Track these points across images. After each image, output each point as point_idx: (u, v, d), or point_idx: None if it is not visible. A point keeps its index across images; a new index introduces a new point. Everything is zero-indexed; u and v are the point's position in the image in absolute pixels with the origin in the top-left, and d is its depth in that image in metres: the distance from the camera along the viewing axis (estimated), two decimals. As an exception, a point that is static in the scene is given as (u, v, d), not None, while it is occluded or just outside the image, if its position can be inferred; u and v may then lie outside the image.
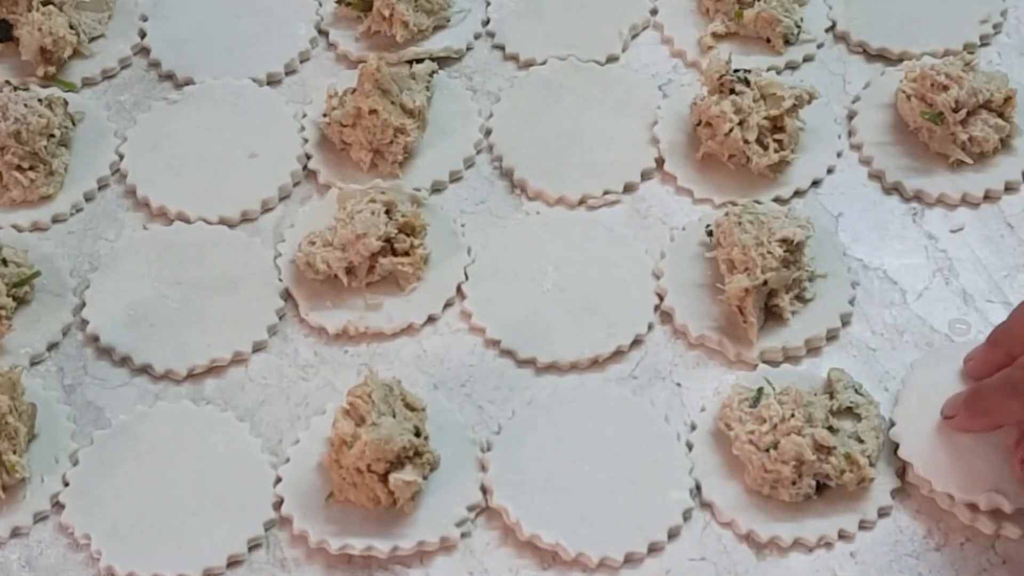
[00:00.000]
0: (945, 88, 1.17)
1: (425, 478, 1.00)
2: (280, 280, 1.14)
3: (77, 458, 1.05)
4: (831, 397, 1.03)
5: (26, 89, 1.23)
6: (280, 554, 1.01)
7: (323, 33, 1.31)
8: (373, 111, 1.17)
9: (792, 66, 1.26)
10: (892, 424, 1.03)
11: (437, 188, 1.20)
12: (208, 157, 1.22)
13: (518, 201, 1.19)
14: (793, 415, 1.00)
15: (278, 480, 1.03)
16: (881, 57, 1.27)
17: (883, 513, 1.00)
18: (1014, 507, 0.97)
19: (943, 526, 1.00)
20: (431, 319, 1.12)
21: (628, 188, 1.19)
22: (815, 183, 1.19)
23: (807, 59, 1.27)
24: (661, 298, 1.12)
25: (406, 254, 1.13)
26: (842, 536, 0.99)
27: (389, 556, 0.99)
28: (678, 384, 1.08)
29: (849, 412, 1.02)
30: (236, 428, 1.06)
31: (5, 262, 1.12)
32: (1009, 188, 1.17)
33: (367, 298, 1.12)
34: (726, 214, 1.12)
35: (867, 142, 1.20)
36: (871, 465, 0.99)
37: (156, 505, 1.02)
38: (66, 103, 1.22)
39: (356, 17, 1.29)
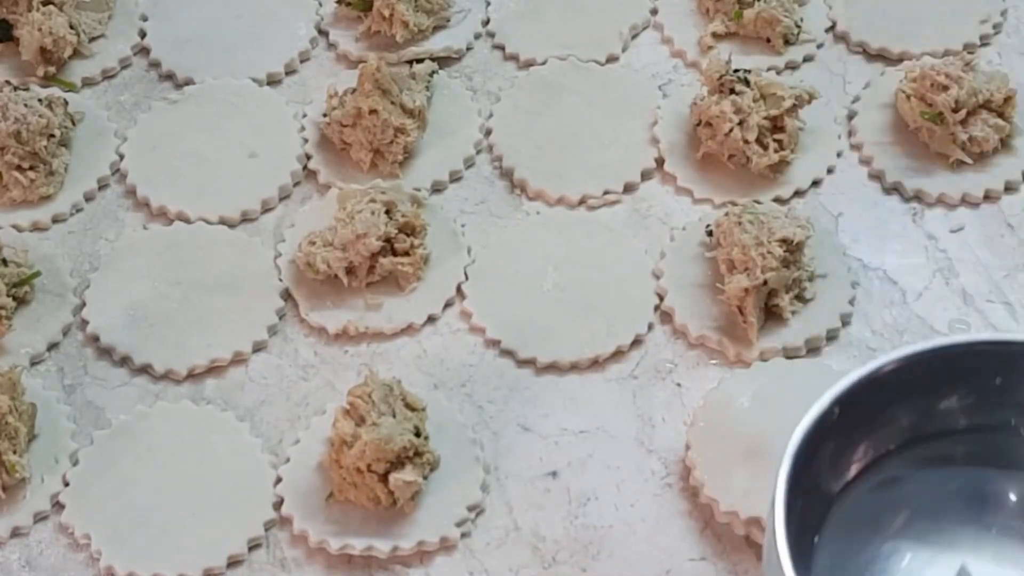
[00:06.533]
0: (945, 88, 1.17)
1: (425, 478, 1.01)
2: (280, 280, 1.14)
3: (77, 458, 1.05)
4: None
5: (26, 89, 1.23)
6: (280, 554, 1.01)
7: (323, 33, 1.31)
8: (373, 111, 1.17)
9: (792, 66, 1.26)
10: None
11: (437, 188, 1.20)
12: (208, 157, 1.22)
13: (518, 201, 1.19)
14: None
15: (278, 480, 1.03)
16: (881, 57, 1.27)
17: (883, 513, 1.00)
18: None
19: (943, 526, 1.00)
20: (431, 319, 1.12)
21: (628, 188, 1.19)
22: (815, 183, 1.19)
23: (807, 59, 1.27)
24: (661, 298, 1.12)
25: (406, 254, 1.13)
26: (842, 536, 0.99)
27: (389, 556, 1.00)
28: (678, 384, 1.08)
29: None
30: (236, 428, 1.06)
31: (5, 262, 1.12)
32: (1009, 188, 1.17)
33: (367, 298, 1.12)
34: (726, 214, 1.12)
35: (867, 142, 1.20)
36: None
37: (156, 505, 1.02)
38: (66, 103, 1.22)
39: (356, 17, 1.30)
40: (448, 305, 1.13)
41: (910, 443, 0.89)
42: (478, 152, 1.22)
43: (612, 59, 1.28)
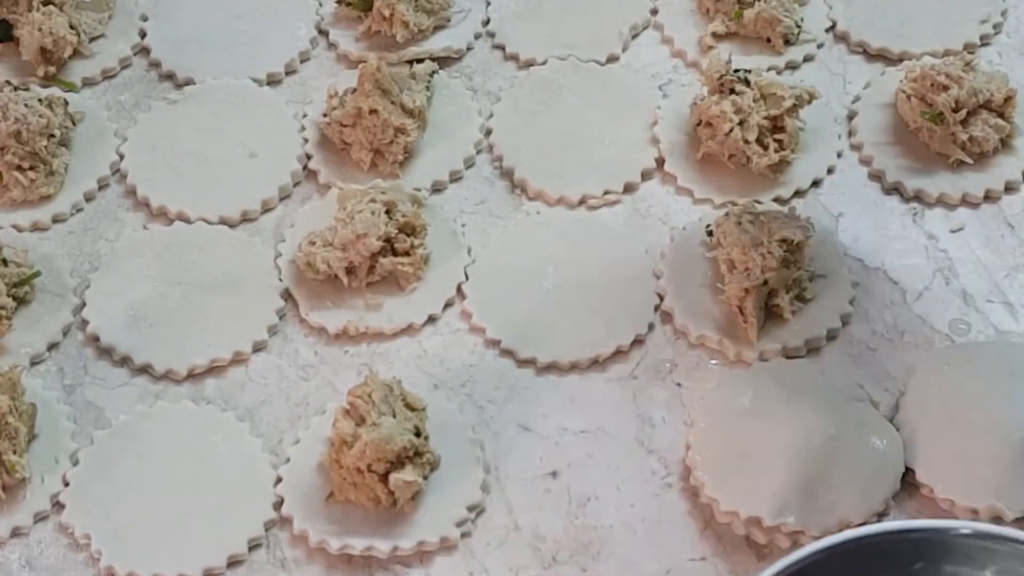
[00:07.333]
0: (945, 88, 1.17)
1: (425, 478, 1.01)
2: (280, 280, 1.14)
3: (77, 458, 1.05)
4: None
5: (26, 89, 1.23)
6: (280, 554, 1.01)
7: (323, 33, 1.31)
8: (373, 111, 1.17)
9: (792, 66, 1.26)
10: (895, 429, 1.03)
11: (437, 188, 1.20)
12: (208, 157, 1.22)
13: (518, 201, 1.19)
14: None
15: (278, 480, 1.03)
16: (881, 57, 1.27)
17: (883, 514, 1.00)
18: (1014, 516, 0.97)
19: (943, 526, 1.00)
20: (431, 319, 1.12)
21: (628, 188, 1.19)
22: (815, 183, 1.19)
23: (807, 59, 1.27)
24: (661, 298, 1.12)
25: (406, 254, 1.13)
26: (842, 536, 0.99)
27: (389, 556, 1.00)
28: (678, 384, 1.08)
29: None
30: (236, 428, 1.06)
31: (5, 262, 1.12)
32: (1009, 188, 1.17)
33: (367, 298, 1.12)
34: (726, 214, 1.12)
35: (867, 142, 1.20)
36: None
37: (156, 505, 1.02)
38: (66, 103, 1.22)
39: (356, 17, 1.30)
40: (448, 305, 1.13)
41: None
42: (478, 152, 1.22)
43: (612, 59, 1.28)
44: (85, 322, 1.13)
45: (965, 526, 0.85)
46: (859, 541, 0.84)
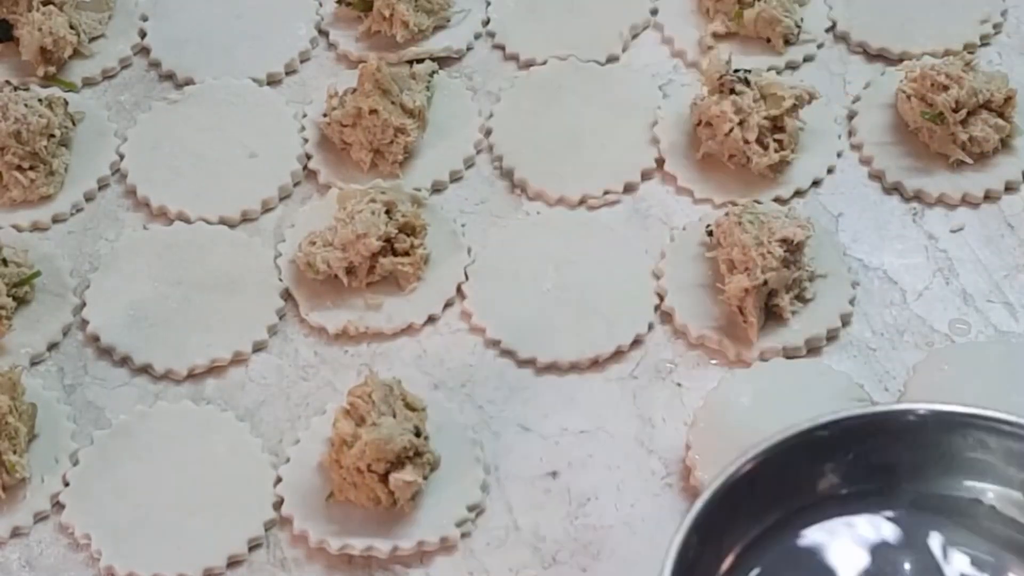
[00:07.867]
0: (945, 88, 1.17)
1: (425, 478, 1.01)
2: (280, 280, 1.14)
3: (77, 458, 1.05)
4: None
5: (26, 89, 1.23)
6: (280, 554, 1.01)
7: (323, 33, 1.31)
8: (373, 111, 1.17)
9: (792, 66, 1.26)
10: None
11: (437, 188, 1.20)
12: (208, 157, 1.22)
13: (518, 201, 1.19)
14: None
15: (278, 480, 1.03)
16: (881, 57, 1.27)
17: (883, 513, 1.00)
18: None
19: (943, 526, 1.00)
20: (431, 319, 1.12)
21: (628, 188, 1.19)
22: (815, 183, 1.19)
23: (807, 59, 1.27)
24: (661, 298, 1.12)
25: (406, 254, 1.13)
26: (842, 536, 0.99)
27: (389, 556, 1.00)
28: (678, 384, 1.08)
29: None
30: (236, 428, 1.06)
31: (5, 262, 1.12)
32: (1009, 188, 1.18)
33: (367, 298, 1.12)
34: (726, 214, 1.12)
35: (867, 142, 1.20)
36: None
37: (156, 505, 1.02)
38: (66, 103, 1.22)
39: (356, 17, 1.30)
40: (448, 305, 1.13)
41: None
42: (478, 152, 1.22)
43: (612, 59, 1.28)
44: (85, 322, 1.13)
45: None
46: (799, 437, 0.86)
